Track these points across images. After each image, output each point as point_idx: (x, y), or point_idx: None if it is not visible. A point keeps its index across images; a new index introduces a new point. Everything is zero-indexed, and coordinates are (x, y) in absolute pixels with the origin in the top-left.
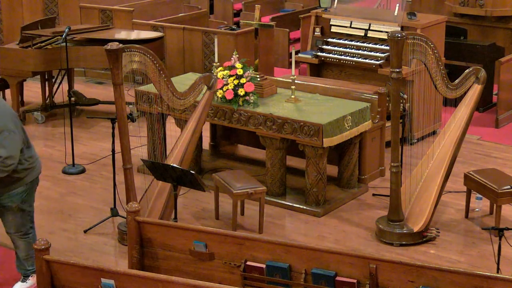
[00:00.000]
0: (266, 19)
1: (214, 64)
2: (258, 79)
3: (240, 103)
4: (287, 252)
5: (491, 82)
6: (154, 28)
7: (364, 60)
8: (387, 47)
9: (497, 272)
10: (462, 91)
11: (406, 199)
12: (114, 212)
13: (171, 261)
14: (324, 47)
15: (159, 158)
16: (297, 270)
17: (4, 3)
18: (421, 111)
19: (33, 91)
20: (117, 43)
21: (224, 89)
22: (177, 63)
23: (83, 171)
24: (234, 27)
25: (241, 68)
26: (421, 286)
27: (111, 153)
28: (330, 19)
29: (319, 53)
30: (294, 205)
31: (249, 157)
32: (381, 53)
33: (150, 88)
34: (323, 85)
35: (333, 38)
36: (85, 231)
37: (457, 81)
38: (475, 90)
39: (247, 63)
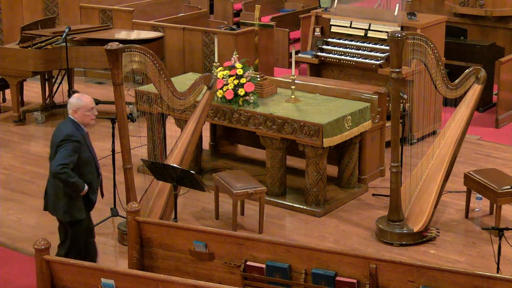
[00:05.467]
0: (266, 19)
1: (214, 64)
2: (258, 79)
3: (240, 103)
4: (287, 252)
5: (491, 82)
6: (154, 28)
7: (364, 60)
8: (387, 47)
9: (497, 272)
10: (462, 91)
11: (406, 199)
12: (114, 212)
13: (171, 261)
14: (324, 47)
15: (159, 158)
16: (297, 270)
17: (4, 3)
18: (421, 111)
19: (33, 91)
20: (117, 43)
21: (224, 89)
22: (177, 63)
23: None
24: (234, 27)
25: (241, 68)
26: (421, 286)
27: (111, 153)
28: (330, 19)
29: (319, 53)
30: (294, 205)
31: (249, 157)
32: (381, 53)
33: (150, 88)
34: (323, 85)
35: (333, 38)
36: None
37: (457, 81)
38: (475, 90)
39: (247, 63)
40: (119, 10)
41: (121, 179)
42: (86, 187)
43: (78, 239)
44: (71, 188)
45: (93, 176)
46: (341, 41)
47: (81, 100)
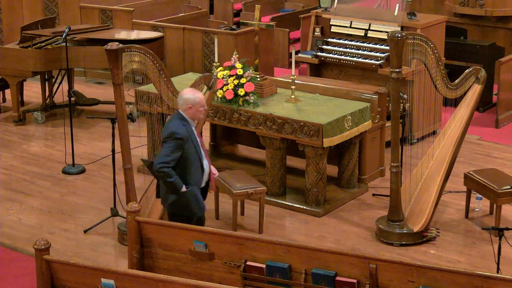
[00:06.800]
0: (266, 19)
1: (214, 64)
2: (258, 79)
3: (240, 103)
4: (287, 252)
5: (491, 82)
6: (154, 28)
7: (364, 60)
8: (387, 47)
9: (497, 272)
10: (462, 91)
11: (406, 199)
12: (114, 212)
13: (171, 261)
14: (324, 47)
15: None
16: (297, 270)
17: (4, 3)
18: (421, 111)
19: (33, 91)
20: (117, 43)
21: (224, 89)
22: (177, 63)
23: (83, 171)
24: (234, 27)
25: (241, 68)
26: (421, 286)
27: (111, 153)
28: (330, 19)
29: (319, 53)
30: (294, 205)
31: (249, 157)
32: (381, 53)
33: (150, 88)
34: (323, 85)
35: (333, 38)
36: (85, 231)
37: (457, 81)
38: (475, 90)
39: (247, 63)
40: (119, 10)
41: (121, 179)
42: (184, 188)
43: None
44: (168, 186)
45: (198, 172)
46: (341, 41)
47: (197, 97)
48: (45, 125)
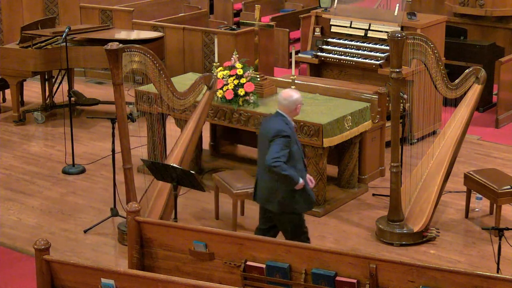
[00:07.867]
0: (266, 19)
1: (214, 64)
2: (258, 79)
3: (240, 103)
4: (287, 252)
5: (491, 82)
6: (154, 28)
7: (364, 60)
8: (387, 47)
9: (497, 272)
10: (462, 91)
11: (406, 199)
12: (114, 212)
13: (171, 261)
14: (324, 47)
15: (159, 158)
16: (297, 270)
17: (4, 3)
18: (421, 111)
19: (33, 91)
20: (117, 43)
21: (224, 89)
22: (177, 63)
23: (83, 171)
24: (234, 27)
25: (241, 68)
26: (421, 286)
27: (111, 153)
28: (330, 19)
29: (319, 53)
30: None
31: (249, 157)
32: (381, 53)
33: (150, 88)
34: (323, 85)
35: (333, 38)
36: (85, 231)
37: (457, 81)
38: (475, 90)
39: (247, 63)
40: (119, 10)
41: (121, 179)
42: (301, 180)
43: (288, 233)
44: (285, 180)
45: (303, 170)
46: (341, 41)
47: (300, 95)
48: (45, 125)
